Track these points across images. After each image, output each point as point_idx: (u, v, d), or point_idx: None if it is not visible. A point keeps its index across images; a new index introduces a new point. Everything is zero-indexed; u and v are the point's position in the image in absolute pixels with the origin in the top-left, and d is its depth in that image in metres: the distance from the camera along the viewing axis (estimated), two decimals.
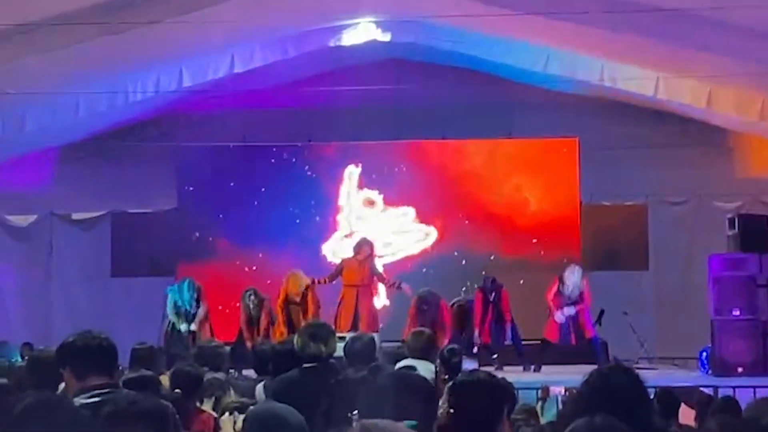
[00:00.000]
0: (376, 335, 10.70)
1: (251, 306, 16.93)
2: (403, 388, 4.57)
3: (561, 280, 16.65)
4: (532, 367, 16.77)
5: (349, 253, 17.30)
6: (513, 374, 15.23)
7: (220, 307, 17.95)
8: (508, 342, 17.23)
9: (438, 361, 8.55)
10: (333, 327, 8.13)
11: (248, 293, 17.01)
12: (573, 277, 16.61)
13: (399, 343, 10.63)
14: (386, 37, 17.52)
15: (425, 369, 7.91)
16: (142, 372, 7.19)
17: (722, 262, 16.44)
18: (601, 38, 14.90)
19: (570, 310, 16.65)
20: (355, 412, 5.21)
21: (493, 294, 17.19)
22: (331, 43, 17.41)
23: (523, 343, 17.35)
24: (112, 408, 4.17)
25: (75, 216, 20.56)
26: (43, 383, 5.90)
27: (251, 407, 5.23)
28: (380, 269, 17.42)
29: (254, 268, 18.97)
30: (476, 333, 17.15)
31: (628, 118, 19.22)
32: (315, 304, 16.64)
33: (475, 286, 17.66)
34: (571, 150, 19.19)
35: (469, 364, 9.97)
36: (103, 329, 17.14)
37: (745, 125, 18.16)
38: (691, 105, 17.47)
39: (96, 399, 4.88)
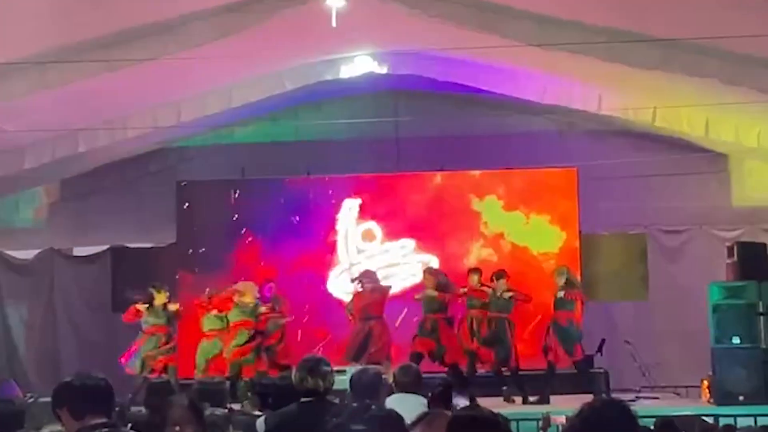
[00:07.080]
0: (382, 368, 10.72)
1: None
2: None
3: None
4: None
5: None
6: (517, 406, 15.34)
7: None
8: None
9: (430, 394, 8.48)
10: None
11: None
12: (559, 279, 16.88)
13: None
14: (383, 69, 17.57)
15: (415, 403, 7.83)
16: None
17: (721, 291, 16.44)
18: (599, 68, 14.91)
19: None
20: None
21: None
22: (329, 77, 17.45)
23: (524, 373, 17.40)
24: None
25: (76, 251, 20.58)
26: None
27: None
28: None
29: None
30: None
31: (627, 146, 19.23)
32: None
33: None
34: (570, 180, 19.13)
35: (460, 399, 9.84)
36: (111, 363, 17.07)
37: (742, 153, 18.19)
38: (689, 133, 17.51)
39: None
